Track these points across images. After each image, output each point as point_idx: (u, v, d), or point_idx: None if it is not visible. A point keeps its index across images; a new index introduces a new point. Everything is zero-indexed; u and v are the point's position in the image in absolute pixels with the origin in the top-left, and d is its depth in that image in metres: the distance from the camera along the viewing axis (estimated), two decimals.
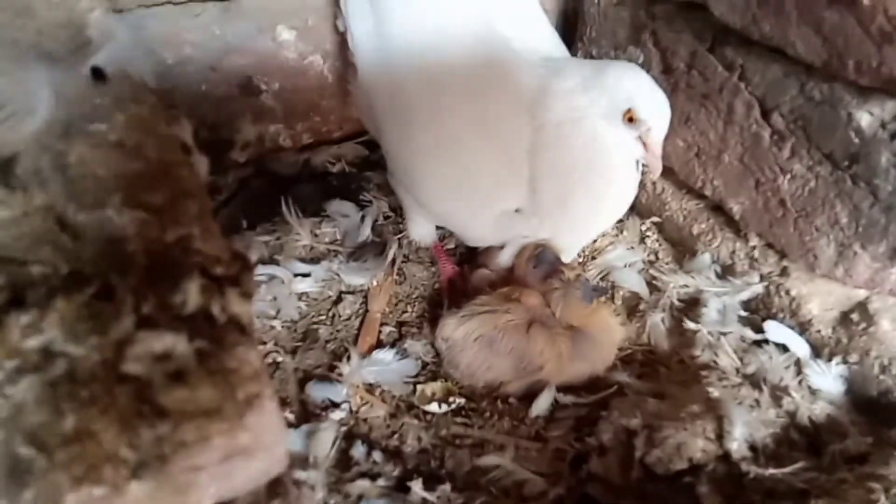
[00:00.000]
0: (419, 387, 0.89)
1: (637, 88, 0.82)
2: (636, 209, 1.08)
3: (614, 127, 0.83)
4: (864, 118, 0.73)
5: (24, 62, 0.56)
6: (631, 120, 0.82)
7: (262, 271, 0.99)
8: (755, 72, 0.84)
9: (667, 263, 1.03)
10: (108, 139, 0.48)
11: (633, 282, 1.00)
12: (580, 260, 1.05)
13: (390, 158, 0.98)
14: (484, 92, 0.86)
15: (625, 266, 1.03)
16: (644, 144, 0.84)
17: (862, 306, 0.82)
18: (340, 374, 0.87)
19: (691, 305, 0.94)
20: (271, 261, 1.02)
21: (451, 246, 1.11)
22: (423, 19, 0.88)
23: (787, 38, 0.76)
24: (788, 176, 0.83)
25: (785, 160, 0.83)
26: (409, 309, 1.02)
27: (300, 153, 1.17)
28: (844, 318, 0.83)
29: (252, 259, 0.93)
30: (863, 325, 0.81)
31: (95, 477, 0.32)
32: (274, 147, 1.14)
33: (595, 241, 1.06)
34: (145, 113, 0.52)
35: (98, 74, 0.55)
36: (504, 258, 0.97)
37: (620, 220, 1.02)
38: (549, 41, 0.95)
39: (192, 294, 0.38)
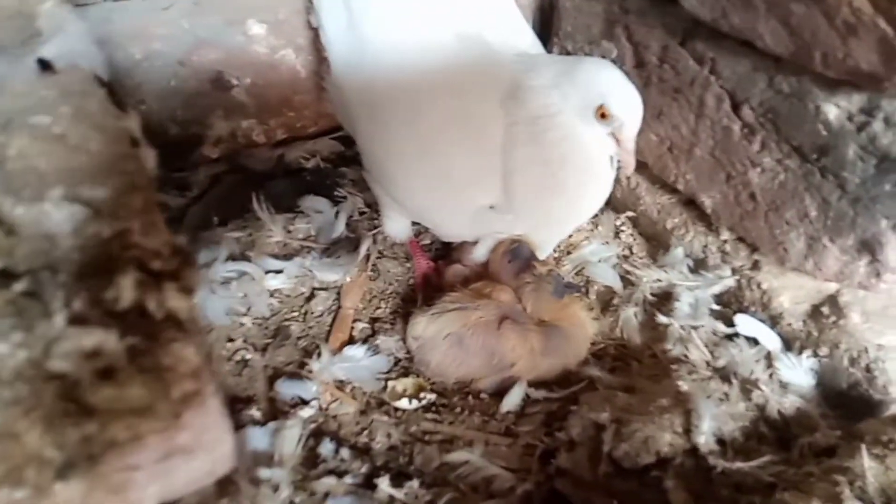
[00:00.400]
0: (390, 383, 0.88)
1: (609, 84, 0.82)
2: (611, 204, 1.08)
3: (587, 123, 0.82)
4: (832, 111, 0.73)
5: None
6: (604, 116, 0.81)
7: (232, 268, 0.97)
8: (725, 65, 0.83)
9: (640, 258, 1.03)
10: (52, 132, 0.47)
11: (607, 276, 1.00)
12: (556, 255, 1.05)
13: (365, 154, 0.97)
14: (457, 88, 0.86)
15: (599, 261, 1.02)
16: (617, 140, 0.83)
17: (832, 299, 0.82)
18: (311, 371, 0.87)
19: (664, 299, 0.94)
20: (243, 257, 1.01)
21: (427, 241, 1.11)
22: (396, 15, 0.87)
23: (756, 30, 0.76)
24: (759, 169, 0.83)
25: (755, 153, 0.83)
26: (383, 305, 1.01)
27: (274, 149, 1.16)
28: (815, 312, 0.83)
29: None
30: (833, 318, 0.81)
31: (16, 478, 0.31)
32: (247, 143, 1.13)
33: (570, 235, 1.05)
34: (93, 106, 0.51)
35: (45, 65, 0.54)
36: (479, 254, 0.97)
37: (595, 215, 1.01)
38: (523, 36, 0.95)
39: (125, 289, 0.37)
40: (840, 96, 0.72)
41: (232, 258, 1.00)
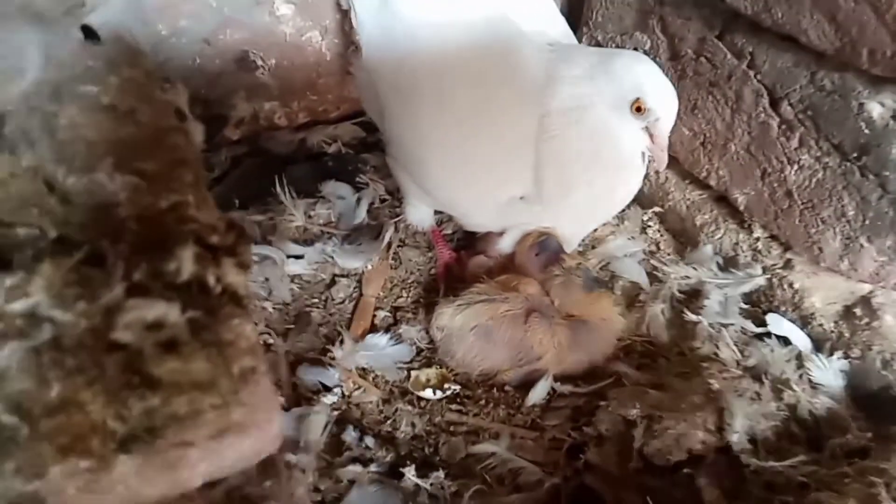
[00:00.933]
0: (413, 373, 0.87)
1: (646, 78, 0.80)
2: (638, 199, 1.06)
3: (621, 117, 0.81)
4: (876, 109, 0.72)
5: (13, 22, 0.54)
6: (639, 110, 0.80)
7: (254, 251, 0.96)
8: (764, 60, 0.82)
9: (668, 254, 1.01)
10: (100, 102, 0.46)
11: (633, 272, 0.98)
12: (580, 249, 1.03)
13: (392, 142, 0.96)
14: (490, 77, 0.84)
15: (625, 256, 1.01)
16: (651, 135, 0.82)
17: (865, 301, 0.81)
18: (333, 359, 0.86)
19: (692, 297, 0.93)
20: (264, 241, 1.00)
21: (449, 231, 1.09)
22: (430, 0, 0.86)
23: (800, 25, 0.75)
24: (796, 167, 0.82)
25: (793, 150, 0.82)
26: (405, 294, 1.00)
27: (296, 132, 1.15)
28: (847, 313, 0.82)
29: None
30: (866, 319, 0.80)
31: (82, 448, 0.31)
32: (269, 125, 1.11)
33: (596, 230, 1.04)
34: (140, 77, 0.50)
35: (90, 33, 0.52)
36: (504, 245, 0.95)
37: (622, 210, 1.00)
38: (556, 26, 0.93)
39: (186, 262, 0.36)
40: (885, 94, 0.71)
41: (254, 242, 0.99)
